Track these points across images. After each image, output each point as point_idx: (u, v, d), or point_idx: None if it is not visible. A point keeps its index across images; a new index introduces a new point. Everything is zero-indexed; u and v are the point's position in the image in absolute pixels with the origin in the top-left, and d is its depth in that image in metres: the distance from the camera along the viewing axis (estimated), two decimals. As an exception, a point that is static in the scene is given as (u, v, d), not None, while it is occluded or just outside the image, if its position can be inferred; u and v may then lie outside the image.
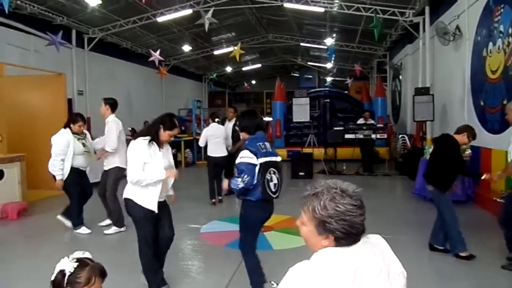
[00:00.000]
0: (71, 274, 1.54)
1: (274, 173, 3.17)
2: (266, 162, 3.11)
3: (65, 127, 5.33)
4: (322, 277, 1.20)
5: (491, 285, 3.66)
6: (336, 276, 1.20)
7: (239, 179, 3.03)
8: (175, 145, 12.33)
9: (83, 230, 5.41)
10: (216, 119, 7.34)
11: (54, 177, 5.20)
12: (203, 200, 7.18)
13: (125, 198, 3.38)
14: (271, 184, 3.14)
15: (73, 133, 5.27)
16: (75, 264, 1.55)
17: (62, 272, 1.55)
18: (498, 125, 6.27)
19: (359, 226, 1.26)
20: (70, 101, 10.08)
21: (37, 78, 8.57)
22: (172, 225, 3.58)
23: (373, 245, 1.33)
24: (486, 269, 3.93)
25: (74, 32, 11.00)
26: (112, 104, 5.37)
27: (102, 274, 1.60)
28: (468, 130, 4.30)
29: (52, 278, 1.57)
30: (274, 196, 3.20)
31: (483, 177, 4.13)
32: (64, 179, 5.16)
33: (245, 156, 3.08)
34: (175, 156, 12.54)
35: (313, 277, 1.21)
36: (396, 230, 5.20)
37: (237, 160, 3.14)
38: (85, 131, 5.54)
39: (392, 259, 1.34)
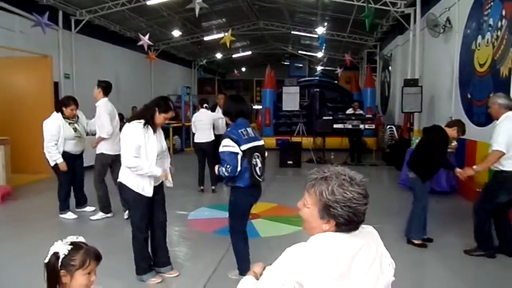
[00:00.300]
0: (65, 256, 1.54)
1: (258, 157, 3.22)
2: (249, 148, 3.13)
3: (57, 111, 5.25)
4: (319, 259, 1.22)
5: (465, 270, 3.76)
6: (334, 260, 1.22)
7: (224, 169, 3.06)
8: (163, 131, 12.26)
9: (69, 215, 5.37)
10: (205, 105, 7.31)
11: (48, 161, 5.21)
12: (192, 187, 7.17)
13: (119, 182, 3.37)
14: (257, 169, 3.20)
15: (65, 117, 5.19)
16: (69, 247, 1.56)
17: (56, 255, 1.55)
18: (484, 118, 6.36)
19: (361, 214, 1.28)
20: (56, 85, 9.88)
21: (23, 60, 8.38)
22: (164, 209, 3.59)
23: (368, 235, 1.36)
24: (460, 257, 4.08)
25: (60, 13, 10.72)
26: (105, 88, 5.23)
27: (97, 257, 1.60)
28: (459, 125, 4.38)
29: (46, 260, 1.57)
30: (260, 179, 3.26)
31: (456, 171, 4.18)
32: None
33: (226, 145, 3.09)
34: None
35: (310, 259, 1.22)
36: (381, 219, 5.26)
37: (220, 149, 3.15)
38: (79, 114, 5.42)
39: (383, 249, 1.38)
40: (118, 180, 3.39)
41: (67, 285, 1.55)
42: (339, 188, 1.26)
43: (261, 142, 3.30)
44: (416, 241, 4.34)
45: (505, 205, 3.97)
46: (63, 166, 5.16)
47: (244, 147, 3.09)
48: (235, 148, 3.05)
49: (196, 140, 7.09)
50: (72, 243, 1.57)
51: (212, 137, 6.98)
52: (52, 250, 1.56)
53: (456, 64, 7.72)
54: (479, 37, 6.76)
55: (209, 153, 6.98)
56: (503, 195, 3.86)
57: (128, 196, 3.35)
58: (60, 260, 1.54)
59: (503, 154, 3.70)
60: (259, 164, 3.21)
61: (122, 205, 5.17)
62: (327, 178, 1.29)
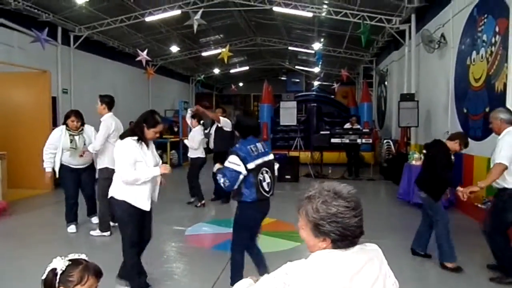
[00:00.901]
0: (63, 272, 1.52)
1: (267, 172, 3.21)
2: (257, 165, 3.13)
3: (63, 123, 5.42)
4: (317, 277, 1.21)
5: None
6: (333, 278, 1.21)
7: (222, 180, 3.08)
8: (160, 146, 12.25)
9: (70, 229, 5.41)
10: (202, 121, 7.39)
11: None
12: (189, 200, 7.13)
13: (111, 197, 3.34)
14: (264, 184, 3.18)
15: (68, 129, 5.26)
16: (67, 263, 1.54)
17: (53, 271, 1.53)
18: (481, 132, 6.40)
19: (353, 228, 1.27)
20: (54, 99, 9.90)
21: (21, 75, 8.41)
22: (151, 228, 3.59)
23: (371, 253, 1.34)
24: (465, 276, 3.98)
25: (60, 29, 10.82)
26: (109, 103, 5.27)
27: (97, 273, 1.58)
28: (460, 137, 4.28)
29: (43, 277, 1.55)
30: (267, 195, 3.24)
31: (457, 190, 4.00)
32: (58, 175, 5.28)
33: (232, 162, 3.08)
34: (160, 157, 12.47)
35: (308, 276, 1.21)
36: (379, 234, 5.24)
37: (225, 163, 3.14)
38: (87, 128, 5.42)
39: (387, 269, 1.36)
40: (110, 195, 3.34)
41: None
42: (322, 205, 1.28)
43: (270, 157, 3.29)
44: (449, 265, 4.07)
45: None
46: (47, 176, 5.29)
47: (252, 165, 3.09)
48: (239, 168, 3.05)
49: (201, 155, 7.16)
50: (70, 260, 1.56)
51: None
52: (50, 267, 1.54)
53: (452, 79, 7.81)
54: (474, 52, 6.85)
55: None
56: (511, 212, 3.72)
57: (121, 210, 3.30)
58: (58, 276, 1.52)
59: (506, 167, 3.62)
60: (267, 180, 3.20)
61: (112, 220, 5.19)
62: (311, 197, 1.32)
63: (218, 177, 3.12)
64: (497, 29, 6.03)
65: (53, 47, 10.41)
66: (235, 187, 3.09)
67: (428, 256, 4.39)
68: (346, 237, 1.27)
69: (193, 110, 7.00)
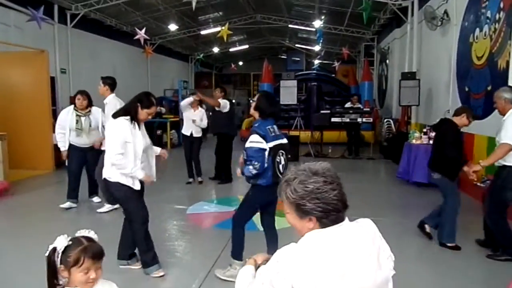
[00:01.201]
0: (63, 252, 1.53)
1: (282, 154, 3.21)
2: (275, 145, 3.13)
3: (71, 102, 5.57)
4: (309, 259, 1.21)
5: (467, 267, 3.78)
6: (324, 257, 1.21)
7: (251, 166, 3.03)
8: (160, 126, 12.24)
9: (64, 205, 5.48)
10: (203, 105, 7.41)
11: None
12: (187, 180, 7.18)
13: (105, 179, 3.34)
14: (280, 166, 3.18)
15: (76, 108, 5.31)
16: (68, 243, 1.55)
17: (54, 250, 1.55)
18: (481, 111, 6.37)
19: (335, 202, 1.28)
20: (53, 79, 9.82)
21: (19, 55, 8.32)
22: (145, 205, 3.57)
23: (362, 228, 1.35)
24: (462, 254, 4.03)
25: (56, 8, 10.61)
26: (111, 84, 5.31)
27: (95, 255, 1.56)
28: (466, 111, 4.21)
29: (46, 254, 1.57)
30: (281, 177, 3.20)
31: (463, 169, 3.98)
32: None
33: (254, 141, 3.06)
34: (160, 137, 12.51)
35: (300, 260, 1.22)
36: (379, 212, 5.30)
37: (247, 144, 3.12)
38: (94, 110, 5.42)
39: (381, 242, 1.37)
40: (104, 176, 3.34)
41: (68, 279, 1.55)
42: (300, 184, 1.30)
43: (285, 141, 3.29)
44: (449, 244, 4.10)
45: None
46: (63, 156, 5.42)
47: (271, 144, 3.08)
48: (263, 144, 3.03)
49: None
50: (72, 239, 1.56)
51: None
52: (53, 244, 1.56)
53: (454, 57, 7.72)
54: (477, 29, 6.74)
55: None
56: (510, 191, 3.72)
57: (118, 191, 3.31)
58: (59, 255, 1.53)
59: None
60: (283, 162, 3.20)
61: (107, 200, 5.26)
62: (288, 180, 1.35)
63: (245, 170, 3.08)
64: (501, 5, 5.92)
65: (50, 26, 10.24)
66: (265, 165, 3.05)
67: (430, 236, 4.36)
68: (329, 212, 1.28)
69: (196, 98, 6.96)
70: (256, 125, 3.21)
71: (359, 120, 10.17)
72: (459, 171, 4.08)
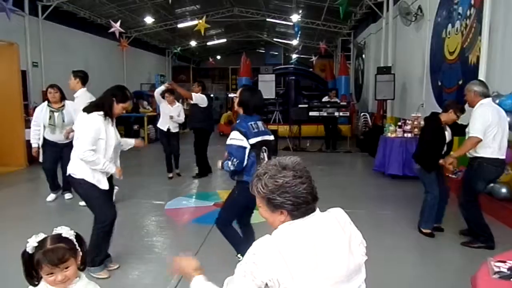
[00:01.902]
0: (31, 254, 1.52)
1: (265, 151, 3.13)
2: (259, 142, 3.06)
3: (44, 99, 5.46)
4: (282, 250, 1.25)
5: (441, 254, 3.92)
6: (297, 248, 1.26)
7: (230, 162, 2.99)
8: (137, 120, 12.06)
9: (52, 197, 5.55)
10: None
11: None
12: (167, 176, 7.11)
13: (69, 175, 3.19)
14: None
15: (49, 104, 5.23)
16: (35, 245, 1.52)
17: (24, 253, 1.53)
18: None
19: (304, 195, 1.33)
20: (24, 73, 9.51)
21: (-14, 48, 8.02)
22: (114, 204, 3.46)
23: (333, 217, 1.40)
24: (437, 241, 4.19)
25: (26, -1, 10.27)
26: (82, 77, 5.18)
27: (53, 261, 1.50)
28: (453, 106, 4.21)
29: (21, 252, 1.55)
30: None
31: (440, 162, 4.15)
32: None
33: (234, 138, 3.00)
34: (137, 132, 12.31)
35: (274, 251, 1.26)
36: (355, 204, 5.41)
37: (227, 141, 3.07)
38: (68, 104, 5.29)
39: (352, 229, 1.42)
40: (68, 172, 3.20)
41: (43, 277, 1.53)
42: (270, 179, 1.36)
43: (271, 137, 3.21)
44: (424, 230, 4.27)
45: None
46: (34, 152, 5.33)
47: (253, 140, 3.02)
48: (243, 142, 2.98)
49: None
50: (39, 241, 1.52)
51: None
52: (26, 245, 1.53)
53: (427, 52, 7.91)
54: (449, 25, 6.93)
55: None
56: (480, 181, 3.88)
57: (82, 188, 3.17)
58: (29, 255, 1.52)
59: (480, 140, 3.73)
60: (266, 159, 3.10)
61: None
62: (259, 175, 1.40)
63: (225, 164, 3.03)
64: (472, 2, 6.09)
65: (20, 18, 9.90)
66: (245, 163, 3.01)
67: (441, 229, 4.38)
68: (299, 205, 1.33)
69: (167, 86, 6.87)
70: (238, 121, 3.16)
71: (336, 114, 10.31)
72: (435, 164, 4.21)
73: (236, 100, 3.24)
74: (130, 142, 3.63)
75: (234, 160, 2.96)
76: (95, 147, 3.09)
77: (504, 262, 1.57)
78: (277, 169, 1.37)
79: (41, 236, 1.55)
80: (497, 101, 4.90)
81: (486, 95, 3.88)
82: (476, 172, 3.89)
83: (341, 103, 10.97)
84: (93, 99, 4.92)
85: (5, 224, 4.69)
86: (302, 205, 1.33)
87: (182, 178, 7.14)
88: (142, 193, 6.03)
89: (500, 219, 4.66)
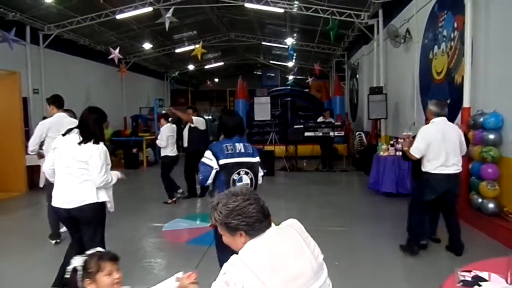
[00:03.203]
0: (83, 268, 1.80)
1: (247, 173, 3.19)
2: (232, 163, 3.14)
3: None
4: (247, 267, 1.42)
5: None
6: (258, 263, 1.42)
7: (198, 174, 3.24)
8: (136, 144, 12.24)
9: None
10: (170, 119, 7.50)
11: None
12: (165, 199, 7.22)
13: (86, 205, 3.18)
14: (239, 185, 3.15)
15: None
16: (84, 259, 1.81)
17: (74, 269, 1.81)
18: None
19: (254, 214, 1.52)
20: (25, 100, 9.74)
21: (-11, 77, 8.27)
22: None
23: (288, 227, 1.59)
24: (435, 259, 4.29)
25: (28, 29, 10.58)
26: (53, 101, 4.93)
27: (112, 257, 1.86)
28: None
29: (67, 276, 1.83)
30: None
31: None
32: None
33: (205, 157, 3.19)
34: (136, 156, 12.43)
35: (241, 265, 1.43)
36: (349, 222, 5.52)
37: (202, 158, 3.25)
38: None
39: (306, 235, 1.60)
40: (92, 201, 3.19)
41: None
42: (223, 206, 1.56)
43: (253, 159, 3.25)
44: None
45: (440, 203, 4.30)
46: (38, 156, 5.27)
47: (224, 161, 3.12)
48: (211, 162, 3.14)
49: (172, 154, 7.20)
50: (86, 256, 1.84)
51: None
52: (70, 267, 1.82)
53: (417, 72, 8.16)
54: (436, 47, 7.19)
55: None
56: (427, 193, 4.18)
57: (97, 213, 3.26)
58: (80, 272, 1.79)
59: (416, 158, 4.17)
60: (246, 180, 3.18)
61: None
62: (213, 206, 1.60)
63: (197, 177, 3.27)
64: (455, 25, 6.36)
65: (21, 46, 10.20)
66: (209, 181, 3.18)
67: (437, 241, 4.63)
68: (253, 224, 1.52)
69: (165, 111, 7.10)
70: (214, 142, 3.38)
71: (331, 134, 10.50)
72: (418, 172, 4.47)
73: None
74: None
75: (200, 175, 3.18)
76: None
77: (470, 271, 1.70)
78: (228, 197, 1.57)
79: (79, 257, 1.86)
80: (481, 119, 5.12)
81: (438, 114, 4.19)
82: (423, 185, 4.25)
83: (336, 123, 11.18)
84: (70, 119, 4.77)
85: (7, 249, 4.78)
86: (255, 223, 1.51)
87: (179, 202, 7.25)
88: (140, 216, 6.15)
89: (489, 234, 4.78)
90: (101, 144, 3.25)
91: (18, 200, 7.54)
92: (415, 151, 4.16)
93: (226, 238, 1.59)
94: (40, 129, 4.79)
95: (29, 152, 5.19)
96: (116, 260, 1.88)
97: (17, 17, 9.85)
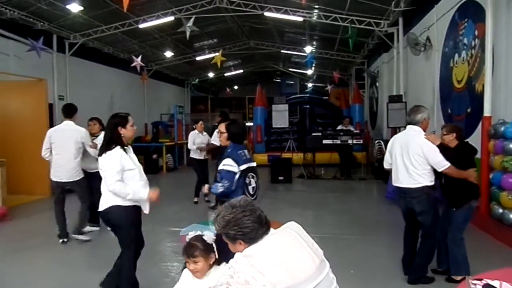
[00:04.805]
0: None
1: (253, 177, 3.44)
2: (246, 168, 3.37)
3: None
4: (250, 262, 1.53)
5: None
6: (260, 257, 1.54)
7: (219, 184, 3.28)
8: (156, 150, 12.48)
9: (86, 228, 5.48)
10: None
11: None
12: (184, 204, 7.34)
13: (108, 207, 3.27)
14: (250, 188, 3.41)
15: (91, 134, 5.50)
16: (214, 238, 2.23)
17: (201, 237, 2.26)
18: (463, 133, 6.64)
19: (250, 225, 1.65)
20: (51, 106, 10.09)
21: (18, 84, 8.60)
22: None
23: (286, 228, 1.71)
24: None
25: (55, 37, 11.00)
26: (62, 110, 5.34)
27: (184, 253, 2.24)
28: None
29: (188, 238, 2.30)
30: (252, 198, 3.43)
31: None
32: None
33: (227, 164, 3.31)
34: (156, 161, 12.67)
35: (243, 263, 1.54)
36: (365, 231, 5.49)
37: (220, 167, 3.37)
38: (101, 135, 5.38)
39: (304, 233, 1.70)
40: (108, 205, 3.24)
41: None
42: (221, 218, 1.71)
43: (254, 164, 3.57)
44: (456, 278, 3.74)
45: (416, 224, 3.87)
46: None
47: (243, 166, 3.34)
48: (235, 168, 3.29)
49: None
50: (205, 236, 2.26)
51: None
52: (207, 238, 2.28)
53: (437, 80, 8.08)
54: (456, 55, 7.12)
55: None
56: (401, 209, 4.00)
57: (121, 217, 3.27)
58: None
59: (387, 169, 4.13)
60: (253, 184, 3.44)
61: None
62: (214, 219, 1.76)
63: (213, 186, 3.33)
64: (476, 33, 6.30)
65: (48, 54, 10.60)
66: (233, 187, 3.29)
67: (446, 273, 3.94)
68: (249, 233, 1.65)
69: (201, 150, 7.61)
70: (229, 150, 3.46)
71: (350, 142, 10.45)
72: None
73: (225, 135, 3.54)
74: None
75: (226, 182, 3.26)
76: (121, 180, 3.24)
77: (481, 280, 1.71)
78: (226, 209, 1.72)
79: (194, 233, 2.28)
80: (502, 129, 5.03)
81: (408, 123, 4.00)
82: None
83: (355, 131, 11.12)
84: (62, 132, 5.21)
85: (31, 251, 4.96)
86: (251, 233, 1.64)
87: (197, 206, 7.35)
88: (159, 220, 6.26)
89: (510, 245, 4.68)
90: (116, 148, 3.21)
91: (42, 203, 7.79)
92: (386, 163, 4.13)
93: (230, 246, 1.72)
94: (46, 137, 5.28)
95: (42, 156, 5.36)
96: (189, 257, 2.21)
97: (45, 27, 10.25)
